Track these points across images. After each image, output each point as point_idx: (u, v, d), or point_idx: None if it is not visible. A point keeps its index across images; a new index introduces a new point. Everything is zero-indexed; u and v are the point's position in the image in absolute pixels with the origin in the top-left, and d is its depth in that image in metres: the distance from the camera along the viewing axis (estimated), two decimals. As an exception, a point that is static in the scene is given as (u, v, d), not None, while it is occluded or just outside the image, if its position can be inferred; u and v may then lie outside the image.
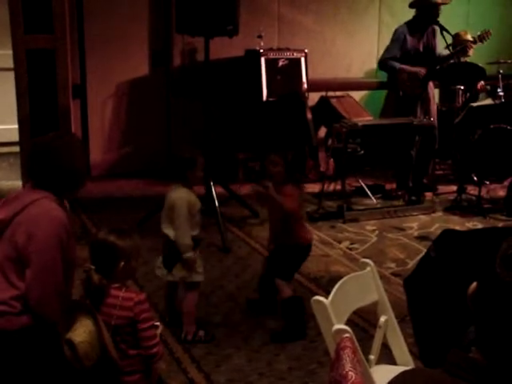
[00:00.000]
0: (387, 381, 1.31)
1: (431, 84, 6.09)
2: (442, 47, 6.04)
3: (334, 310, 1.86)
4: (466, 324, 1.35)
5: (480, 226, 5.26)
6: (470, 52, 6.30)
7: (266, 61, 6.45)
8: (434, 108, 6.15)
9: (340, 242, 4.93)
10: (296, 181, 3.53)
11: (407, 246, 4.89)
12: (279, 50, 6.65)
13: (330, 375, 1.57)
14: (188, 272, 3.35)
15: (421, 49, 5.99)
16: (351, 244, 4.91)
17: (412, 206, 5.81)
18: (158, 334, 2.48)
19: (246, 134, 6.53)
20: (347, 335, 1.72)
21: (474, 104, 6.02)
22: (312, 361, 3.23)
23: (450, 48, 6.02)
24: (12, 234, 2.38)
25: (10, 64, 5.66)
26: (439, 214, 5.68)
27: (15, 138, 5.89)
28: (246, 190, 6.11)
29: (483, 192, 5.78)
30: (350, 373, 1.51)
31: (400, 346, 2.27)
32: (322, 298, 1.87)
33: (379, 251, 4.77)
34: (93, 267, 2.38)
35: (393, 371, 1.53)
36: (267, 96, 6.44)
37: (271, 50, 6.57)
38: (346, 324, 1.85)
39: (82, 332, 2.27)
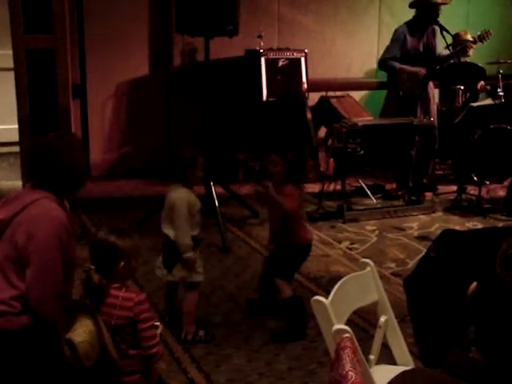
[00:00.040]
0: (387, 381, 1.31)
1: (431, 84, 6.09)
2: (442, 47, 6.04)
3: (334, 310, 1.86)
4: (466, 324, 1.35)
5: (480, 226, 5.26)
6: (470, 52, 6.30)
7: (266, 61, 6.46)
8: (434, 108, 6.15)
9: (340, 242, 4.93)
10: (296, 181, 3.53)
11: (407, 246, 4.89)
12: (279, 50, 6.65)
13: (330, 375, 1.57)
14: (188, 272, 3.35)
15: (421, 49, 5.99)
16: (351, 244, 4.91)
17: (412, 206, 5.81)
18: (158, 334, 2.48)
19: (246, 134, 6.53)
20: (347, 335, 1.72)
21: (474, 104, 6.02)
22: (312, 361, 3.23)
23: (450, 48, 6.02)
24: (12, 234, 2.38)
25: (10, 64, 5.66)
26: (439, 214, 5.68)
27: (15, 138, 5.89)
28: (246, 190, 6.11)
29: (483, 192, 5.78)
30: (350, 373, 1.51)
31: (400, 346, 2.27)
32: (322, 298, 1.87)
33: (379, 251, 4.77)
34: (93, 267, 2.38)
35: (393, 371, 1.53)
36: (267, 96, 6.44)
37: (271, 50, 6.57)
38: (346, 324, 1.85)
39: (81, 332, 2.27)
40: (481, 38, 5.98)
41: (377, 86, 7.29)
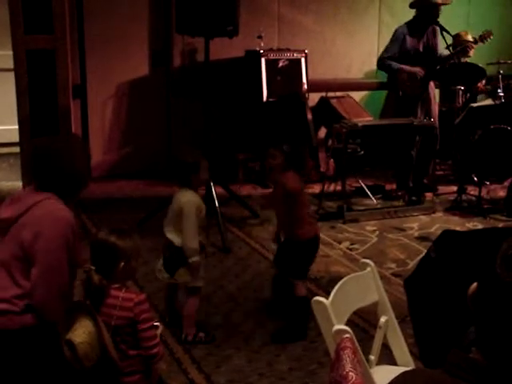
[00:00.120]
0: (387, 381, 1.31)
1: (432, 84, 6.09)
2: (442, 47, 6.04)
3: (334, 311, 1.86)
4: (466, 324, 1.35)
5: (480, 227, 5.26)
6: (471, 52, 6.31)
7: (266, 61, 6.46)
8: (435, 108, 6.15)
9: (340, 243, 4.93)
10: (297, 169, 3.52)
11: (407, 246, 4.89)
12: (279, 50, 6.65)
13: (331, 376, 1.57)
14: (191, 277, 3.34)
15: (421, 49, 5.99)
16: (351, 244, 4.91)
17: (412, 206, 5.81)
18: (159, 335, 2.48)
19: (246, 135, 6.53)
20: (347, 335, 1.71)
21: (475, 104, 6.02)
22: (312, 361, 3.23)
23: (451, 48, 6.02)
24: (17, 233, 2.38)
25: (10, 64, 5.66)
26: (439, 214, 5.67)
27: (15, 138, 5.89)
28: (246, 190, 6.13)
29: (483, 192, 5.78)
30: (350, 373, 1.51)
31: (400, 347, 2.26)
32: (322, 299, 1.87)
33: (379, 252, 4.77)
34: (93, 267, 2.38)
35: (393, 372, 1.53)
36: (267, 96, 6.44)
37: (271, 50, 6.57)
38: (347, 324, 1.85)
39: (81, 333, 2.27)
40: (482, 39, 5.98)
41: (377, 87, 7.29)
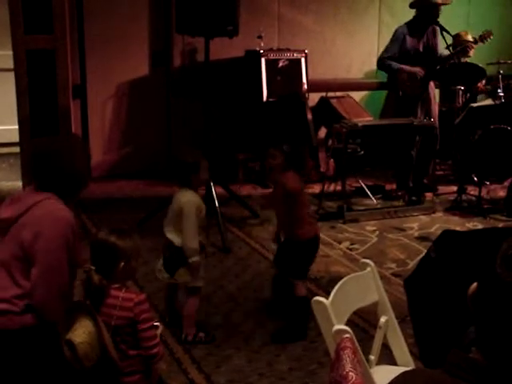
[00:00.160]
0: (387, 381, 1.31)
1: (432, 84, 6.09)
2: (442, 47, 6.04)
3: (334, 311, 1.86)
4: (466, 324, 1.35)
5: (480, 227, 5.26)
6: (471, 52, 6.31)
7: (266, 61, 6.45)
8: (435, 108, 6.15)
9: (340, 243, 4.93)
10: (297, 169, 3.52)
11: (407, 246, 4.89)
12: (279, 50, 6.65)
13: (331, 376, 1.57)
14: (191, 277, 3.34)
15: (421, 49, 5.99)
16: (351, 244, 4.91)
17: (412, 206, 5.81)
18: (158, 335, 2.48)
19: (246, 135, 6.53)
20: (347, 335, 1.71)
21: (475, 104, 6.02)
22: (312, 361, 3.23)
23: (451, 48, 6.02)
24: (17, 233, 2.38)
25: (10, 65, 5.66)
26: (439, 214, 5.67)
27: (15, 138, 5.88)
28: (246, 190, 6.13)
29: (483, 192, 5.78)
30: (350, 373, 1.51)
31: (400, 347, 2.26)
32: (322, 299, 1.87)
33: (379, 252, 4.76)
34: (93, 267, 2.38)
35: (393, 372, 1.53)
36: (267, 96, 6.43)
37: (271, 50, 6.57)
38: (347, 324, 1.85)
39: (81, 333, 2.27)
40: (482, 39, 5.98)
41: (377, 87, 7.29)
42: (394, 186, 6.18)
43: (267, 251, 4.63)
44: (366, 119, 6.42)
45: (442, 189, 6.30)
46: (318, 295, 2.00)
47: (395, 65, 5.90)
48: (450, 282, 2.40)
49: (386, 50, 6.04)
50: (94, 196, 5.73)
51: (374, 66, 6.61)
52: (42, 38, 5.54)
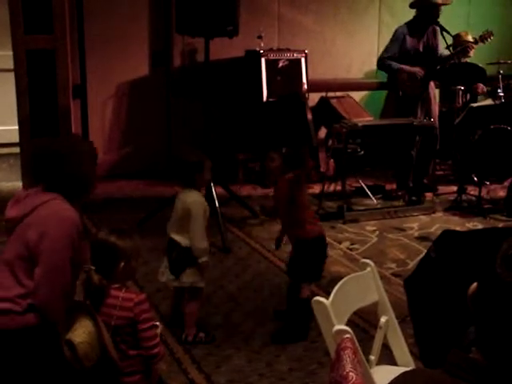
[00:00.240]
0: (387, 381, 1.31)
1: (432, 84, 6.09)
2: (442, 47, 6.04)
3: (334, 311, 1.86)
4: (466, 324, 1.35)
5: (480, 227, 5.26)
6: (471, 53, 6.31)
7: (266, 61, 6.45)
8: (435, 108, 6.16)
9: (340, 243, 4.93)
10: (296, 171, 3.51)
11: (407, 246, 4.89)
12: (279, 50, 6.65)
13: (331, 376, 1.57)
14: (199, 277, 3.33)
15: (421, 49, 5.99)
16: (351, 244, 4.91)
17: (412, 206, 5.81)
18: (158, 334, 2.48)
19: (246, 135, 6.53)
20: (348, 336, 1.71)
21: (474, 104, 6.02)
22: (312, 361, 3.23)
23: (451, 48, 6.02)
24: (23, 233, 2.38)
25: (10, 65, 5.66)
26: (439, 214, 5.67)
27: (15, 138, 5.88)
28: (246, 190, 6.13)
29: (483, 192, 5.78)
30: (350, 373, 1.51)
31: (400, 347, 2.26)
32: (322, 299, 1.87)
33: (379, 252, 4.76)
34: (93, 267, 2.38)
35: (393, 372, 1.53)
36: (267, 96, 6.43)
37: (271, 50, 6.57)
38: (347, 324, 1.85)
39: (81, 333, 2.27)
40: (482, 39, 5.98)
41: (377, 87, 7.29)
42: (394, 186, 6.18)
43: (267, 251, 4.63)
44: (366, 119, 6.42)
45: (442, 189, 6.30)
46: (318, 295, 2.00)
47: (395, 65, 5.90)
48: (450, 282, 2.40)
49: (386, 50, 6.05)
50: (94, 196, 5.68)
51: (374, 66, 6.61)
52: (42, 37, 5.54)
